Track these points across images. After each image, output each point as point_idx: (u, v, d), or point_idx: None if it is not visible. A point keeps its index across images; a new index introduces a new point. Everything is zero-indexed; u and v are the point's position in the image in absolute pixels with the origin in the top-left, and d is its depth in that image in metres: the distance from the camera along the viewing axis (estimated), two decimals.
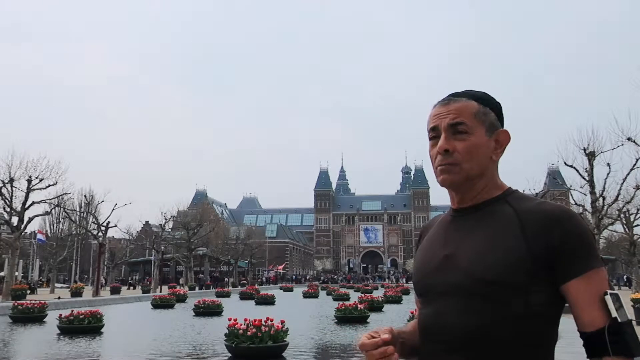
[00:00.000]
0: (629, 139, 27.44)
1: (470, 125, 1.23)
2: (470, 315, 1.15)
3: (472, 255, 1.18)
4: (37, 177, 29.57)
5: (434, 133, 1.27)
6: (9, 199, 29.13)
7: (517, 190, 1.28)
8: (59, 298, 21.68)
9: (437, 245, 1.29)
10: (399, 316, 18.02)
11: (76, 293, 31.05)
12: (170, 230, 60.56)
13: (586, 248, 1.13)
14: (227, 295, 33.46)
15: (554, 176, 42.60)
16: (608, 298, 1.09)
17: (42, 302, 17.95)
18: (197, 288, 46.26)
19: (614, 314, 1.08)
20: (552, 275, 1.13)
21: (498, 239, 1.17)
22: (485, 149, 1.24)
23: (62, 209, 44.24)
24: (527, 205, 1.20)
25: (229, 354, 9.08)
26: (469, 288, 1.16)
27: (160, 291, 36.38)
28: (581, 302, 1.11)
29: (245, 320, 9.11)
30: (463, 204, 1.28)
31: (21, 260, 48.18)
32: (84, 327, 12.82)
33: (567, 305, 1.18)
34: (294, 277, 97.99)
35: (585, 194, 31.78)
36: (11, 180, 29.05)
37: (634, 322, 1.10)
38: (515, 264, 1.13)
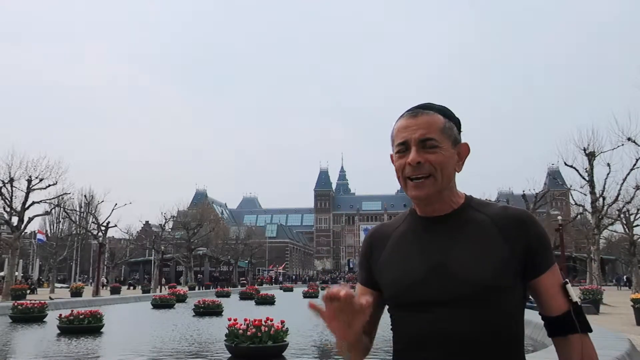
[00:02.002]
0: (629, 139, 27.46)
1: (439, 139, 1.30)
2: (475, 321, 1.22)
3: (467, 263, 1.25)
4: (37, 177, 29.64)
5: (402, 147, 1.32)
6: (9, 199, 29.17)
7: (472, 195, 1.40)
8: (51, 298, 21.44)
9: (414, 254, 1.32)
10: None
11: (76, 293, 31.05)
12: (170, 230, 60.59)
13: (549, 246, 1.32)
14: (227, 295, 33.42)
15: (554, 176, 42.65)
16: (569, 286, 1.29)
17: (42, 302, 17.94)
18: (197, 288, 46.33)
19: (575, 298, 1.29)
20: (525, 271, 1.28)
21: (485, 244, 1.27)
22: (451, 162, 1.32)
23: (62, 209, 44.28)
24: (494, 210, 1.33)
25: (229, 354, 9.08)
26: (471, 295, 1.23)
27: (160, 291, 36.40)
28: (551, 291, 1.29)
29: (245, 320, 9.10)
30: (434, 214, 1.34)
31: (21, 260, 48.19)
32: (84, 327, 12.80)
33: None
34: (294, 276, 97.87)
35: (585, 194, 31.85)
36: (11, 180, 29.07)
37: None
38: (506, 266, 1.25)
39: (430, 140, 1.29)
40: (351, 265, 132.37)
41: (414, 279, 1.29)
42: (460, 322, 1.22)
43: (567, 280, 1.31)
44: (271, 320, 9.15)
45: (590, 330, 1.30)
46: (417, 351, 1.27)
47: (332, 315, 1.19)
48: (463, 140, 1.37)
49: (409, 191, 1.32)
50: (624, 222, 32.25)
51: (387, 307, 1.41)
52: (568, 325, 1.28)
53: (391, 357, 1.36)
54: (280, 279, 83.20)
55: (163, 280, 56.61)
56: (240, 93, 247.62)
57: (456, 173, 1.35)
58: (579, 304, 1.30)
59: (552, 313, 1.29)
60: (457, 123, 1.37)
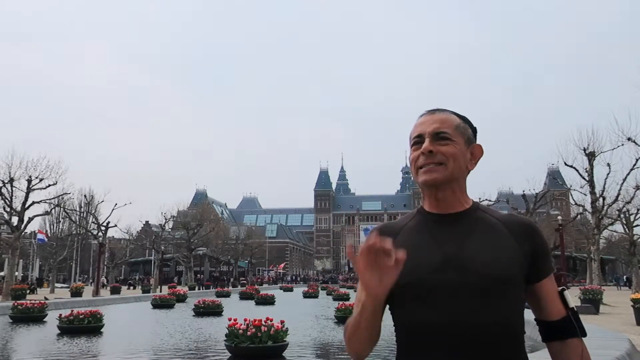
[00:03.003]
0: (629, 139, 27.47)
1: (452, 134, 1.37)
2: (488, 310, 1.26)
3: (481, 255, 1.30)
4: (37, 177, 29.65)
5: (418, 139, 1.39)
6: (9, 199, 29.17)
7: (478, 202, 1.47)
8: (45, 298, 21.31)
9: (428, 247, 1.34)
10: None
11: (76, 293, 31.05)
12: (170, 230, 60.57)
13: (550, 254, 1.40)
14: (227, 295, 33.44)
15: (554, 176, 42.54)
16: (567, 293, 1.37)
17: (42, 302, 17.94)
18: (197, 288, 46.31)
19: (571, 304, 1.36)
20: (528, 274, 1.34)
21: (497, 241, 1.32)
22: (463, 157, 1.38)
23: (62, 209, 44.27)
24: (502, 214, 1.41)
25: (229, 354, 9.08)
26: (484, 286, 1.27)
27: (160, 291, 36.39)
28: (551, 296, 1.36)
29: (245, 320, 9.10)
30: (446, 211, 1.39)
31: (21, 260, 48.17)
32: (84, 327, 12.81)
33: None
34: (294, 277, 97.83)
35: (585, 194, 31.84)
36: (11, 180, 29.07)
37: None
38: (516, 263, 1.30)
39: (444, 133, 1.37)
40: (351, 266, 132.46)
41: (427, 270, 1.30)
42: (472, 312, 1.25)
43: (565, 287, 1.40)
44: (271, 320, 9.15)
45: (586, 335, 1.35)
46: (427, 341, 1.27)
47: (366, 266, 1.21)
48: None
49: (419, 177, 1.37)
50: (624, 222, 32.26)
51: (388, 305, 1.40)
52: (568, 330, 1.34)
53: (393, 357, 1.35)
54: (289, 278, 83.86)
55: (151, 280, 56.02)
56: (240, 93, 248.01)
57: (469, 172, 1.42)
58: (575, 309, 1.37)
59: (551, 317, 1.36)
60: (472, 127, 1.44)
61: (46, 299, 20.93)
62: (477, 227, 1.35)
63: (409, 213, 1.47)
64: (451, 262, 1.29)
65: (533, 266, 1.33)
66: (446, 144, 1.35)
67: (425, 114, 1.43)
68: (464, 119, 1.43)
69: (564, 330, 1.34)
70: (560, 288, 1.37)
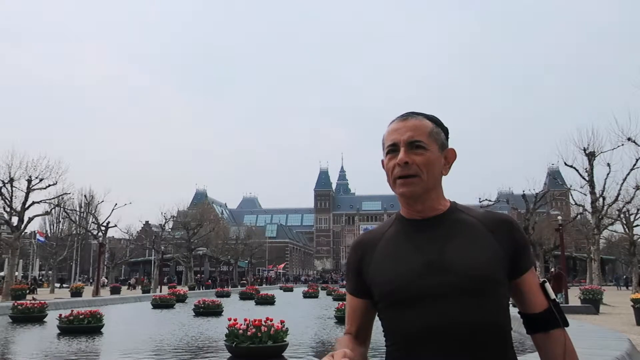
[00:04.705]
0: (629, 139, 27.52)
1: (426, 142, 1.38)
2: (475, 310, 1.28)
3: (463, 256, 1.32)
4: (37, 177, 29.68)
5: (393, 148, 1.40)
6: (9, 199, 29.18)
7: (455, 202, 1.49)
8: (34, 299, 21.21)
9: (408, 252, 1.37)
10: None
11: (76, 293, 31.06)
12: (170, 230, 60.56)
13: (529, 247, 1.43)
14: (227, 295, 33.46)
15: (554, 176, 42.62)
16: (547, 285, 1.40)
17: (42, 302, 17.95)
18: (196, 288, 46.31)
19: (553, 296, 1.38)
20: (510, 270, 1.36)
21: (478, 241, 1.35)
22: (438, 164, 1.40)
23: (62, 209, 44.30)
24: (480, 212, 1.43)
25: (229, 354, 9.08)
26: (469, 287, 1.28)
27: (160, 291, 36.39)
28: (533, 289, 1.39)
29: (245, 320, 9.10)
30: (424, 215, 1.40)
31: (21, 260, 48.19)
32: (84, 327, 12.81)
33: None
34: (294, 277, 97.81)
35: (585, 194, 31.92)
36: (11, 180, 29.09)
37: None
38: (496, 261, 1.33)
39: (418, 142, 1.37)
40: None
41: (410, 275, 1.33)
42: (457, 313, 1.27)
43: (545, 279, 1.42)
44: (271, 320, 9.15)
45: (568, 325, 1.39)
46: (417, 346, 1.29)
47: None
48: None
49: (397, 189, 1.39)
50: (624, 222, 32.27)
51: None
52: (550, 321, 1.37)
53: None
54: (302, 279, 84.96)
55: (133, 280, 55.56)
56: (240, 93, 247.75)
57: (443, 176, 1.43)
58: (557, 301, 1.40)
59: (534, 310, 1.38)
60: (445, 131, 1.45)
61: (34, 299, 20.78)
62: (455, 229, 1.37)
63: (388, 219, 1.49)
64: (432, 266, 1.32)
65: (514, 262, 1.36)
66: (421, 154, 1.37)
67: (397, 120, 1.43)
68: (436, 122, 1.43)
69: (546, 322, 1.37)
70: (542, 280, 1.40)
